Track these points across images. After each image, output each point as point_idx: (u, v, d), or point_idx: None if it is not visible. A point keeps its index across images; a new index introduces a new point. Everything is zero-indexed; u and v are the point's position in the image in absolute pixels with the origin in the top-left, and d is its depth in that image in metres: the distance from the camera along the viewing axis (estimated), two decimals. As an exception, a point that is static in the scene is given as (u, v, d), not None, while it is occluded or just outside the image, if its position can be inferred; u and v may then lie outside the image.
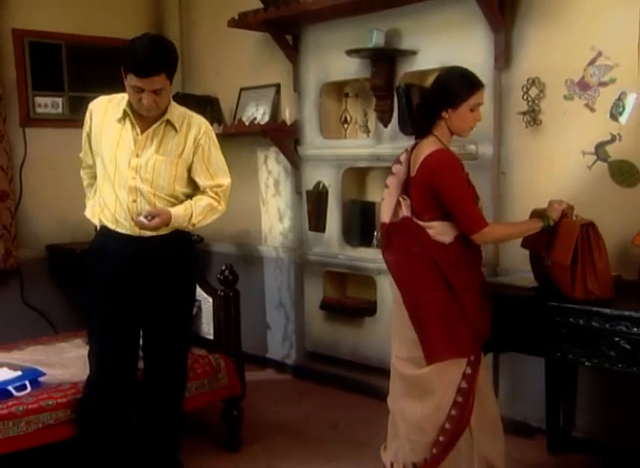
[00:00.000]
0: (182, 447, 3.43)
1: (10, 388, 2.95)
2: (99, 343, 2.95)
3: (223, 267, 3.50)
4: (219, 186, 2.97)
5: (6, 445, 2.83)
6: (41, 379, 3.08)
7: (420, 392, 2.70)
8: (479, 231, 2.60)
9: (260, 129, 4.39)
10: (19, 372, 3.07)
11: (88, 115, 2.94)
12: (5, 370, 3.08)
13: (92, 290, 2.95)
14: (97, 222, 2.98)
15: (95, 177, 3.01)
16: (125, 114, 2.84)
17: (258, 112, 4.64)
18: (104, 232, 2.93)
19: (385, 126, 3.97)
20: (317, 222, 4.38)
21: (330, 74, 4.24)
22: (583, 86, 3.21)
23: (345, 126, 4.40)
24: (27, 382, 3.01)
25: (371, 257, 4.03)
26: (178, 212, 2.87)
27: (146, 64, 2.65)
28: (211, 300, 3.58)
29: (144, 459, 3.12)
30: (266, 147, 4.67)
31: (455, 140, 3.47)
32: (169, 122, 2.87)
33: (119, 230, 2.89)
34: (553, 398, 3.38)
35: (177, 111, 2.91)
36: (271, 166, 4.73)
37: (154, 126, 2.85)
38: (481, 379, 2.70)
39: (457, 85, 2.67)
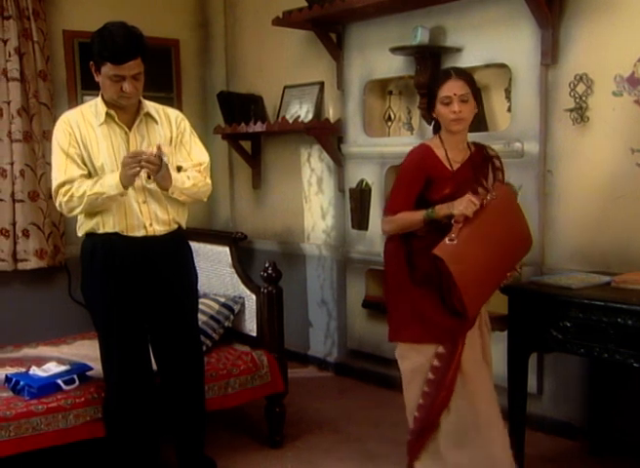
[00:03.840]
0: (225, 442, 3.48)
1: (59, 382, 3.01)
2: (112, 347, 2.93)
3: (267, 265, 3.52)
4: (200, 164, 3.01)
5: (55, 437, 2.90)
6: (89, 373, 3.13)
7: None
8: (383, 215, 2.77)
9: (304, 127, 4.40)
10: (67, 367, 3.13)
11: (66, 127, 2.82)
12: (54, 364, 3.15)
13: (98, 295, 2.90)
14: (100, 230, 2.85)
15: None
16: (107, 116, 2.81)
17: (301, 110, 4.65)
18: (108, 239, 2.84)
19: (429, 123, 3.94)
20: (360, 220, 4.38)
21: (374, 72, 4.22)
22: (633, 82, 3.15)
23: (389, 123, 4.38)
24: (76, 376, 3.07)
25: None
26: (175, 174, 2.86)
27: (124, 49, 2.65)
28: (254, 297, 3.61)
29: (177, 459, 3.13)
30: (310, 145, 4.69)
31: (500, 138, 3.47)
32: (148, 114, 2.89)
33: (130, 234, 2.84)
34: (598, 399, 3.32)
35: (149, 104, 2.93)
36: (314, 163, 4.74)
37: (137, 121, 2.87)
38: (472, 378, 2.68)
39: (430, 86, 2.75)
